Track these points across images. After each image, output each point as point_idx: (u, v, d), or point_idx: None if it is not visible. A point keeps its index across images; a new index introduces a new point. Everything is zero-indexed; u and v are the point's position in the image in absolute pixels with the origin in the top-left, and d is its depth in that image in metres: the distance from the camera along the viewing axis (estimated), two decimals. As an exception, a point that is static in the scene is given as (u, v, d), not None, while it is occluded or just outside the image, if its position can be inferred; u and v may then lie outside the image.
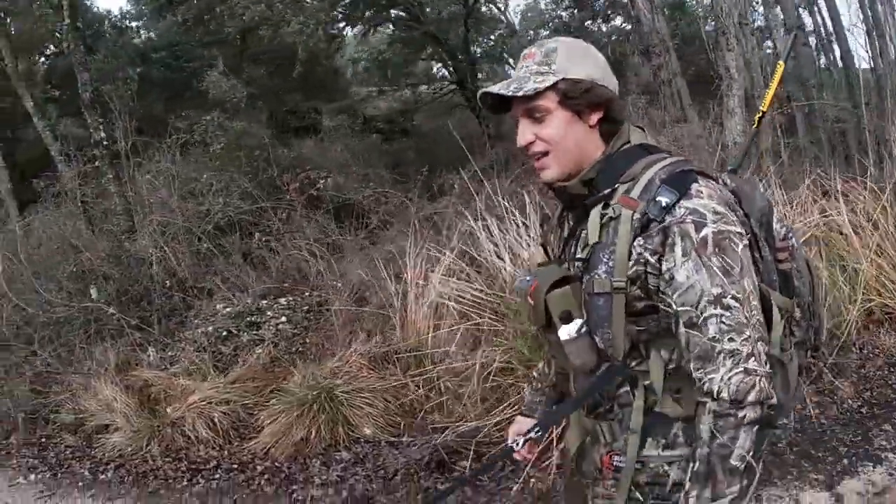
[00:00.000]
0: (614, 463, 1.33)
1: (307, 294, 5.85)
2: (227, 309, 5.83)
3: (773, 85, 1.73)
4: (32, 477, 4.74)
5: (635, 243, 1.21)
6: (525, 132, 1.31)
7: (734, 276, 1.17)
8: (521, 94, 1.26)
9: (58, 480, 4.65)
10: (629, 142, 1.33)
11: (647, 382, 1.29)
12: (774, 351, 1.26)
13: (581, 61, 1.29)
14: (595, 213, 1.27)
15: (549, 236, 1.50)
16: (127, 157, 6.55)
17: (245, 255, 6.23)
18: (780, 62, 1.73)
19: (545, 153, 1.31)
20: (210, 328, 5.64)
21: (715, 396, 1.16)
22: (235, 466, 4.43)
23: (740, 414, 1.14)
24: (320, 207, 6.72)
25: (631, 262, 1.22)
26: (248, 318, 5.68)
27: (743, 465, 1.14)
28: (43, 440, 5.24)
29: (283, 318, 5.69)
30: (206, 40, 10.42)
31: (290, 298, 5.87)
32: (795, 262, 1.39)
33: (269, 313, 5.72)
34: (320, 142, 8.74)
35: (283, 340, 5.49)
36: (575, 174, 1.32)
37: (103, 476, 4.59)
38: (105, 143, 6.38)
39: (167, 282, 6.01)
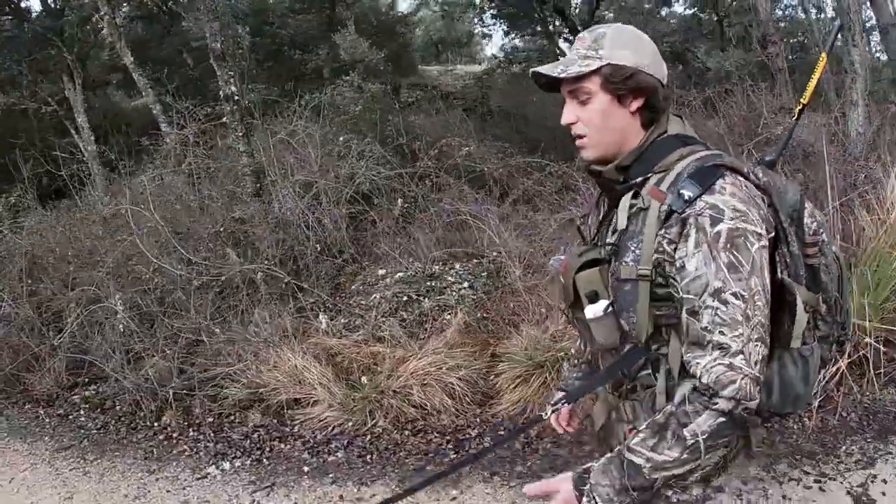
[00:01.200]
0: None
1: (484, 260, 5.22)
2: (399, 274, 5.13)
3: (815, 77, 1.68)
4: (227, 465, 3.87)
5: (658, 232, 1.23)
6: (568, 112, 1.34)
7: (741, 274, 1.16)
8: (564, 75, 1.29)
9: (268, 467, 3.80)
10: (667, 131, 1.33)
11: (668, 367, 1.31)
12: (795, 344, 1.27)
13: (629, 48, 1.29)
14: (625, 201, 1.30)
15: (587, 218, 1.53)
16: (252, 115, 5.77)
17: (400, 220, 5.54)
18: (823, 54, 1.69)
19: (584, 134, 1.34)
20: (388, 293, 4.92)
21: (698, 379, 1.17)
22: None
23: (713, 400, 1.15)
24: (460, 177, 6.11)
25: (655, 252, 1.23)
26: (427, 284, 5.00)
27: (691, 442, 1.15)
28: (211, 420, 4.35)
29: (466, 284, 5.04)
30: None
31: (467, 264, 5.22)
32: (824, 257, 1.38)
33: (448, 279, 5.05)
34: (422, 114, 8.14)
35: (466, 306, 4.83)
36: (612, 158, 1.34)
37: (332, 458, 3.77)
38: (236, 97, 5.58)
39: (317, 245, 5.25)
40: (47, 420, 4.90)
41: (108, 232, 5.65)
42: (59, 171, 6.69)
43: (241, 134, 5.64)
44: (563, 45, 12.66)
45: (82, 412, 4.86)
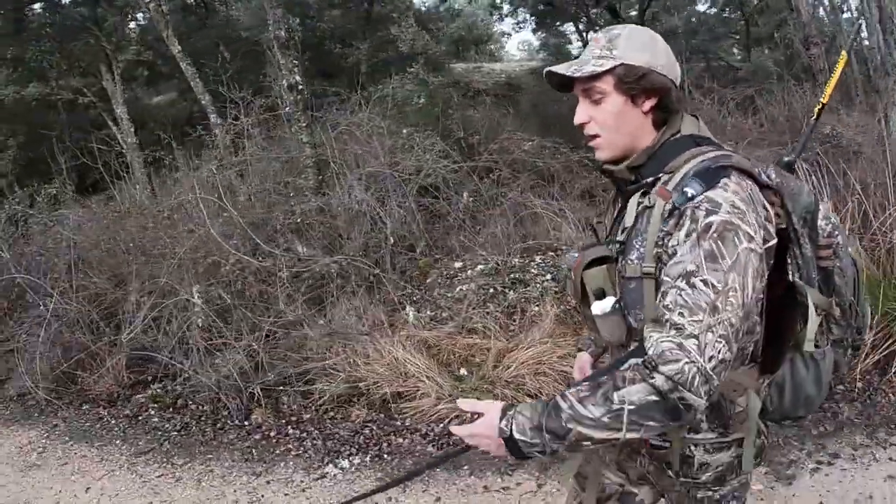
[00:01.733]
0: (652, 442, 1.34)
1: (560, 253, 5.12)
2: (479, 267, 4.98)
3: (835, 76, 1.68)
4: (346, 463, 3.62)
5: (660, 228, 1.22)
6: (581, 112, 1.33)
7: (719, 265, 1.12)
8: (578, 74, 1.28)
9: (392, 463, 3.57)
10: (680, 131, 1.31)
11: None
12: (808, 347, 1.26)
13: (643, 49, 1.29)
14: (633, 200, 1.30)
15: (603, 217, 1.52)
16: (310, 107, 5.54)
17: (469, 213, 5.39)
18: (843, 53, 1.71)
19: (597, 135, 1.33)
20: (472, 285, 4.76)
21: (645, 348, 1.14)
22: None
23: (652, 374, 1.10)
24: (520, 172, 6.01)
25: (655, 246, 1.23)
26: (511, 276, 4.86)
27: (616, 407, 1.11)
28: (310, 417, 4.11)
29: (549, 276, 4.93)
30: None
31: (544, 256, 5.11)
32: (839, 259, 1.35)
33: (532, 271, 4.93)
34: (470, 108, 7.96)
35: (551, 297, 4.72)
36: (625, 158, 1.33)
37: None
38: (300, 86, 5.35)
39: (391, 238, 5.06)
40: (113, 422, 4.54)
41: (160, 224, 5.33)
42: (94, 164, 6.29)
43: (304, 125, 5.41)
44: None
45: (152, 412, 4.52)
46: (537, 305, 4.66)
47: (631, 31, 1.32)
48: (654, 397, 1.09)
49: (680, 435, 1.32)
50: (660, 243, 1.22)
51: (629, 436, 1.12)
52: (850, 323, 1.38)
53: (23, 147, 9.23)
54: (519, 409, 1.21)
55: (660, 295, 1.17)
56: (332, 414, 4.09)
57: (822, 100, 1.67)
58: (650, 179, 1.29)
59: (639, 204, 1.29)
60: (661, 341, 1.11)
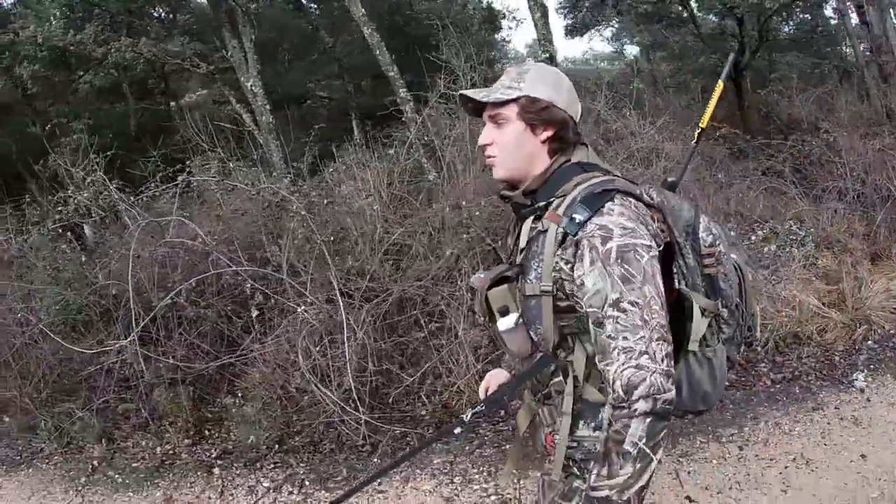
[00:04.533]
0: (555, 442, 1.41)
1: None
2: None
3: (712, 103, 1.73)
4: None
5: (556, 254, 1.32)
6: (486, 135, 1.44)
7: (634, 284, 1.24)
8: (486, 100, 1.41)
9: None
10: (570, 160, 1.41)
11: (575, 373, 1.38)
12: (693, 346, 1.36)
13: (548, 84, 1.40)
14: (527, 225, 1.40)
15: (505, 239, 1.58)
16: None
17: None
18: (720, 81, 1.75)
19: (494, 156, 1.44)
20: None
21: (612, 387, 1.25)
22: None
23: (633, 406, 1.21)
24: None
25: (553, 270, 1.32)
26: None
27: (636, 451, 1.21)
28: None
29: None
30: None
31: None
32: (722, 266, 1.43)
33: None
34: None
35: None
36: (520, 181, 1.43)
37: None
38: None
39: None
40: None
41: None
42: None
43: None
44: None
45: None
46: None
47: (539, 69, 1.44)
48: (648, 419, 1.21)
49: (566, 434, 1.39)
50: (557, 268, 1.32)
51: (659, 456, 1.23)
52: (739, 322, 1.46)
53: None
54: None
55: (594, 328, 1.27)
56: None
57: (700, 125, 1.74)
58: (542, 204, 1.38)
59: (532, 228, 1.38)
60: (622, 370, 1.22)
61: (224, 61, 6.87)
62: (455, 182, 5.29)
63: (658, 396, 1.20)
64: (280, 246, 4.56)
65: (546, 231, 1.33)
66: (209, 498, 3.90)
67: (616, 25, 12.99)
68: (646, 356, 1.21)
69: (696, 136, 1.76)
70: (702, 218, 1.42)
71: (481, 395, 1.69)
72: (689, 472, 3.41)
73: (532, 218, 1.39)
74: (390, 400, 4.27)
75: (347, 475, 3.87)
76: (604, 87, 5.99)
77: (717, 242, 1.43)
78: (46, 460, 4.73)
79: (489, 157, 1.44)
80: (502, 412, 3.18)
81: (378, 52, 6.10)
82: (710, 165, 6.19)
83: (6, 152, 8.36)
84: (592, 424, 1.38)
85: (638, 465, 1.21)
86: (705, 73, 9.39)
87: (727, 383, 1.60)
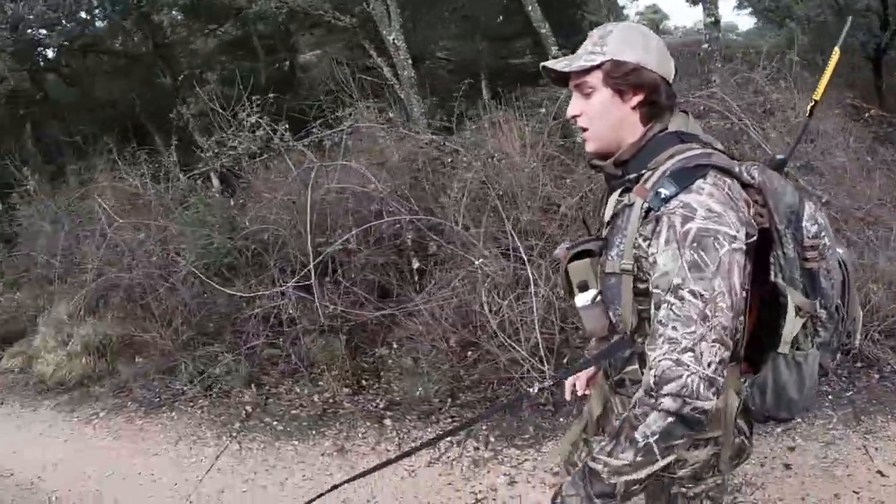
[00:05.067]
0: None
1: None
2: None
3: (828, 72, 1.58)
4: None
5: (638, 229, 1.22)
6: (574, 106, 1.33)
7: (704, 273, 1.12)
8: (568, 69, 1.28)
9: None
10: (667, 128, 1.28)
11: None
12: (783, 349, 1.24)
13: (634, 46, 1.27)
14: (613, 199, 1.29)
15: (597, 211, 1.49)
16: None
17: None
18: (836, 49, 1.57)
19: (587, 127, 1.32)
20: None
21: (647, 373, 1.15)
22: None
23: (658, 400, 1.12)
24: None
25: (633, 247, 1.22)
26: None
27: (643, 443, 1.13)
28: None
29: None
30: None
31: None
32: (825, 261, 1.27)
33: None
34: None
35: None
36: (614, 152, 1.31)
37: None
38: None
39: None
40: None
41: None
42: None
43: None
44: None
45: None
46: None
47: (623, 28, 1.30)
48: (670, 419, 1.09)
49: None
50: (636, 245, 1.21)
51: (666, 461, 1.12)
52: (838, 326, 1.31)
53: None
54: (564, 493, 1.22)
55: (653, 308, 1.16)
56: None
57: (814, 97, 1.58)
58: (633, 176, 1.27)
59: (618, 202, 1.27)
60: (660, 360, 1.11)
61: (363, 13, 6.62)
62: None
63: (689, 401, 1.09)
64: (451, 198, 4.33)
65: (632, 205, 1.23)
66: (386, 450, 3.67)
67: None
68: (690, 354, 1.09)
69: (808, 109, 1.59)
70: (807, 205, 1.27)
71: (567, 393, 1.64)
72: (876, 449, 3.13)
73: (620, 190, 1.28)
74: (565, 360, 4.00)
75: (535, 433, 3.61)
76: (763, 56, 5.67)
77: (822, 234, 1.27)
78: (190, 403, 4.58)
79: (581, 128, 1.33)
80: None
81: (530, 7, 5.83)
82: (867, 149, 5.76)
83: (131, 102, 8.39)
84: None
85: (639, 458, 1.13)
86: (849, 51, 8.80)
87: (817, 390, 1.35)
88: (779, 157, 1.45)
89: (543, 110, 5.33)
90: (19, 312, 7.32)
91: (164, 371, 5.05)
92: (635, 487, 1.17)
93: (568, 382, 1.64)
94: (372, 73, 6.73)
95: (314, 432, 3.98)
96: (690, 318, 1.10)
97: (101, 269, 5.94)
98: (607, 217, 1.29)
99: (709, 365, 1.09)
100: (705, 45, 6.25)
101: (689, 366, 1.09)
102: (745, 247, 1.16)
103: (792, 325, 1.22)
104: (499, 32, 9.63)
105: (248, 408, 4.34)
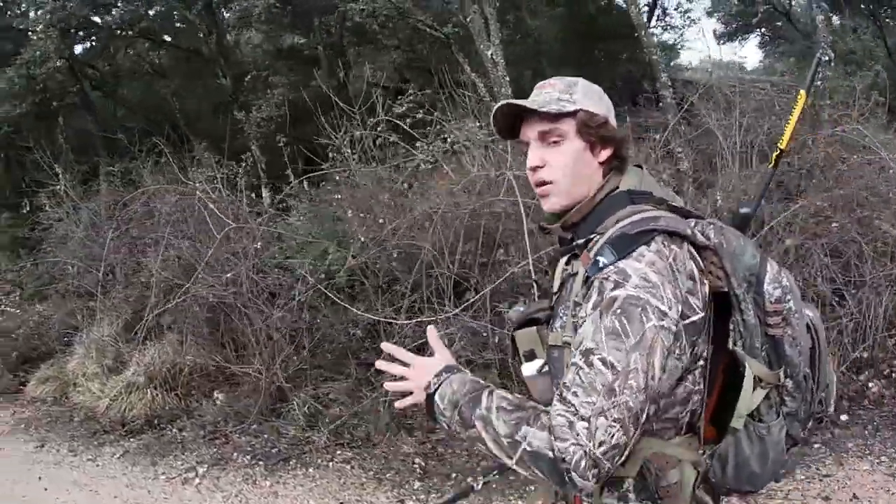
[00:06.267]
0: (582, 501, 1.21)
1: None
2: None
3: (793, 119, 1.45)
4: None
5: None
6: (535, 156, 1.18)
7: (621, 343, 1.00)
8: (545, 109, 1.16)
9: None
10: (618, 187, 1.18)
11: None
12: (737, 424, 1.13)
13: (597, 101, 1.20)
14: (559, 268, 1.23)
15: (550, 271, 1.37)
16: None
17: None
18: (802, 91, 1.46)
19: (550, 181, 1.18)
20: None
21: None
22: None
23: (553, 437, 1.00)
24: None
25: (572, 317, 1.13)
26: None
27: (517, 439, 1.03)
28: None
29: None
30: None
31: None
32: (791, 327, 1.15)
33: None
34: None
35: None
36: (572, 209, 1.20)
37: None
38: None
39: None
40: None
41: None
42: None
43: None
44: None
45: None
46: None
47: (585, 83, 1.22)
48: (549, 453, 1.01)
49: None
50: (574, 314, 1.12)
51: (517, 467, 1.06)
52: (806, 396, 1.20)
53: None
54: (452, 378, 1.15)
55: (565, 367, 1.09)
56: None
57: (779, 145, 1.48)
58: (581, 241, 1.16)
59: (564, 270, 1.20)
60: (557, 414, 1.01)
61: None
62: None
63: (564, 464, 0.98)
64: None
65: (576, 275, 1.13)
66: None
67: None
68: (583, 424, 0.97)
69: (773, 158, 1.49)
70: (769, 265, 1.15)
71: None
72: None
73: (566, 258, 1.19)
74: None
75: None
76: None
77: (787, 297, 1.15)
78: (326, 455, 3.58)
79: (543, 182, 1.18)
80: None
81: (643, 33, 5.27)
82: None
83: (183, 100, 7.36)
84: (616, 495, 1.14)
85: (503, 441, 1.04)
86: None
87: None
88: (743, 210, 1.38)
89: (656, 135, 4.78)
90: (43, 329, 6.14)
91: (265, 412, 4.05)
92: (481, 445, 1.08)
93: None
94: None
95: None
96: (594, 388, 0.99)
97: (169, 283, 4.92)
98: (555, 287, 1.22)
99: (599, 444, 0.97)
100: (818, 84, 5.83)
101: (578, 435, 0.97)
102: (677, 328, 1.05)
103: (749, 398, 1.13)
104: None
105: (419, 460, 3.39)
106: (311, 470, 3.45)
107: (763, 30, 12.03)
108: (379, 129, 4.59)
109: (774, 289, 1.14)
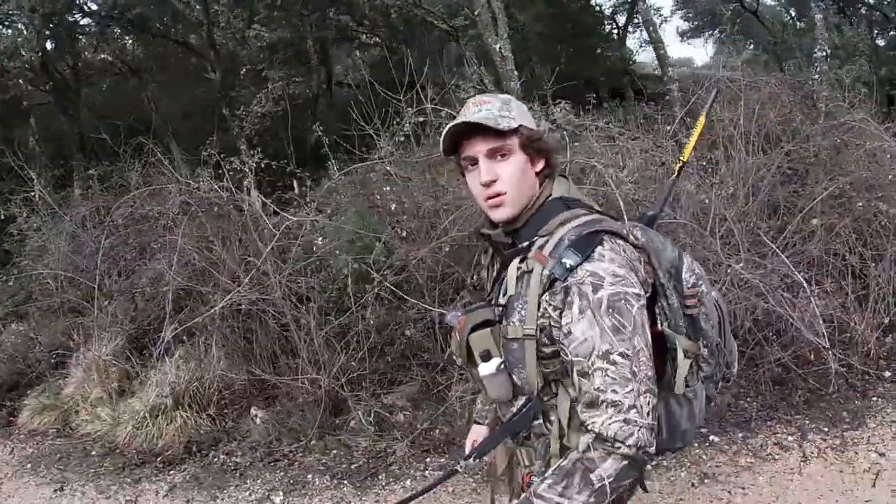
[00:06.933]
0: (533, 482, 1.29)
1: None
2: None
3: (694, 137, 1.63)
4: None
5: (543, 297, 1.22)
6: (488, 170, 1.28)
7: (625, 335, 1.16)
8: (500, 126, 1.25)
9: None
10: (552, 194, 1.31)
11: (558, 416, 1.29)
12: (679, 389, 1.30)
13: (530, 117, 1.32)
14: (513, 267, 1.28)
15: (478, 273, 1.52)
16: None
17: None
18: (702, 117, 1.65)
19: (504, 192, 1.28)
20: None
21: (597, 432, 1.18)
22: None
23: (615, 445, 1.15)
24: None
25: (539, 314, 1.23)
26: None
27: (598, 485, 1.15)
28: None
29: None
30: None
31: None
32: (703, 306, 1.36)
33: None
34: None
35: None
36: (517, 217, 1.31)
37: None
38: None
39: None
40: None
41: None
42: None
43: None
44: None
45: None
46: None
47: (515, 100, 1.32)
48: (625, 462, 1.14)
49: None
50: (545, 315, 1.21)
51: (611, 499, 1.16)
52: (719, 361, 1.40)
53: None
54: None
55: (580, 378, 1.18)
56: None
57: (682, 158, 1.63)
58: (525, 244, 1.27)
59: (518, 269, 1.26)
60: (609, 424, 1.14)
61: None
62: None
63: (642, 448, 1.15)
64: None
65: (531, 272, 1.23)
66: None
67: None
68: (634, 410, 1.14)
69: (677, 169, 1.63)
70: (685, 258, 1.36)
71: (467, 449, 1.60)
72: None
73: (518, 260, 1.27)
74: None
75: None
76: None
77: (700, 282, 1.36)
78: (418, 466, 3.24)
79: (496, 194, 1.27)
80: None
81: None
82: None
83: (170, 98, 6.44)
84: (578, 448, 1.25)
85: (591, 499, 1.16)
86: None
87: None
88: (649, 212, 1.51)
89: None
90: (26, 351, 5.44)
91: (325, 425, 3.66)
92: None
93: (468, 443, 1.62)
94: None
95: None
96: (626, 378, 1.14)
97: (188, 291, 4.40)
98: (511, 288, 1.26)
99: (647, 415, 1.15)
100: (816, 77, 5.89)
101: (636, 421, 1.14)
102: (645, 302, 1.21)
103: (683, 368, 1.28)
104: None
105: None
106: (408, 482, 3.13)
107: (725, 27, 12.27)
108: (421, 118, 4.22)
109: (690, 276, 1.34)
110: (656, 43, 6.17)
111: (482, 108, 1.27)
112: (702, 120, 1.62)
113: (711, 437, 3.21)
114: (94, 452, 4.12)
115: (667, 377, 1.29)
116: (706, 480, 2.90)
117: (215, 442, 3.86)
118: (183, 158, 5.60)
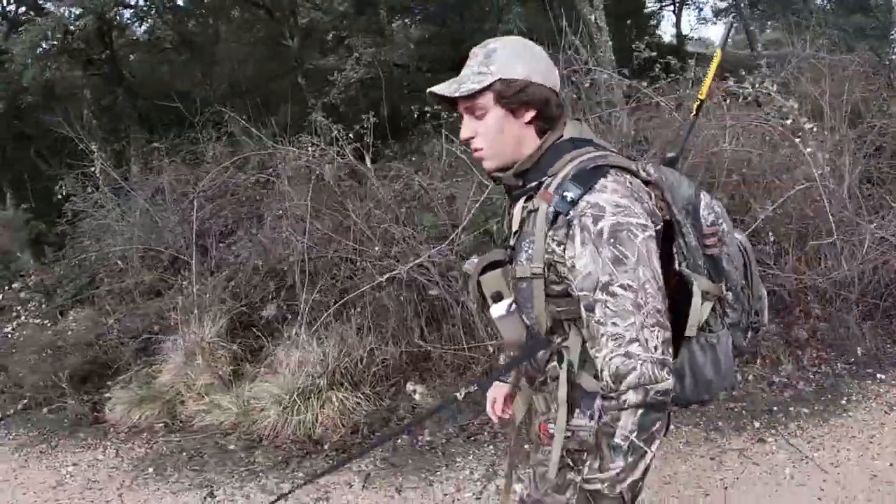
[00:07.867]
0: (550, 431, 1.29)
1: None
2: None
3: (711, 73, 1.61)
4: None
5: (548, 234, 1.20)
6: (466, 128, 1.30)
7: (627, 266, 1.12)
8: (458, 94, 1.25)
9: None
10: (562, 136, 1.28)
11: (569, 358, 1.25)
12: (690, 332, 1.22)
13: (520, 61, 1.25)
14: (518, 205, 1.28)
15: (501, 222, 1.50)
16: None
17: None
18: (717, 50, 1.61)
19: (481, 148, 1.29)
20: None
21: (600, 376, 1.15)
22: None
23: (622, 398, 1.11)
24: None
25: (545, 252, 1.21)
26: None
27: (626, 445, 1.12)
28: None
29: None
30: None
31: None
32: (726, 246, 1.29)
33: None
34: None
35: None
36: (512, 165, 1.30)
37: None
38: None
39: None
40: None
41: None
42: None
43: None
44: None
45: None
46: None
47: (506, 44, 1.28)
48: (640, 411, 1.10)
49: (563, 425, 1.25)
50: (549, 250, 1.20)
51: (654, 449, 1.13)
52: (745, 306, 1.33)
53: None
54: None
55: (584, 310, 1.16)
56: None
57: (700, 96, 1.61)
58: (534, 184, 1.26)
59: (524, 209, 1.26)
60: (610, 359, 1.11)
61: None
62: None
63: (650, 387, 1.09)
64: None
65: (537, 210, 1.21)
66: None
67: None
68: (636, 344, 1.10)
69: (694, 108, 1.62)
70: (702, 195, 1.30)
71: (488, 408, 1.56)
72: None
73: (524, 198, 1.26)
74: None
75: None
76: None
77: (720, 221, 1.30)
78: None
79: (476, 150, 1.29)
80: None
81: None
82: None
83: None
84: (588, 413, 1.22)
85: (630, 459, 1.12)
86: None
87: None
88: (669, 155, 1.48)
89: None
90: (96, 339, 4.74)
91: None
92: (640, 486, 1.18)
93: (489, 402, 1.56)
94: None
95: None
96: (627, 311, 1.11)
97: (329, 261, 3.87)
98: (515, 226, 1.26)
99: (655, 349, 1.11)
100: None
101: (639, 355, 1.10)
102: (654, 233, 1.17)
103: (699, 309, 1.21)
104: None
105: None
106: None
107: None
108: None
109: (709, 214, 1.27)
110: (746, 20, 6.06)
111: (468, 63, 1.26)
112: (718, 53, 1.57)
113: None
114: (231, 447, 3.53)
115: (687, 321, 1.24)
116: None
117: (385, 422, 3.39)
118: (260, 129, 5.03)
